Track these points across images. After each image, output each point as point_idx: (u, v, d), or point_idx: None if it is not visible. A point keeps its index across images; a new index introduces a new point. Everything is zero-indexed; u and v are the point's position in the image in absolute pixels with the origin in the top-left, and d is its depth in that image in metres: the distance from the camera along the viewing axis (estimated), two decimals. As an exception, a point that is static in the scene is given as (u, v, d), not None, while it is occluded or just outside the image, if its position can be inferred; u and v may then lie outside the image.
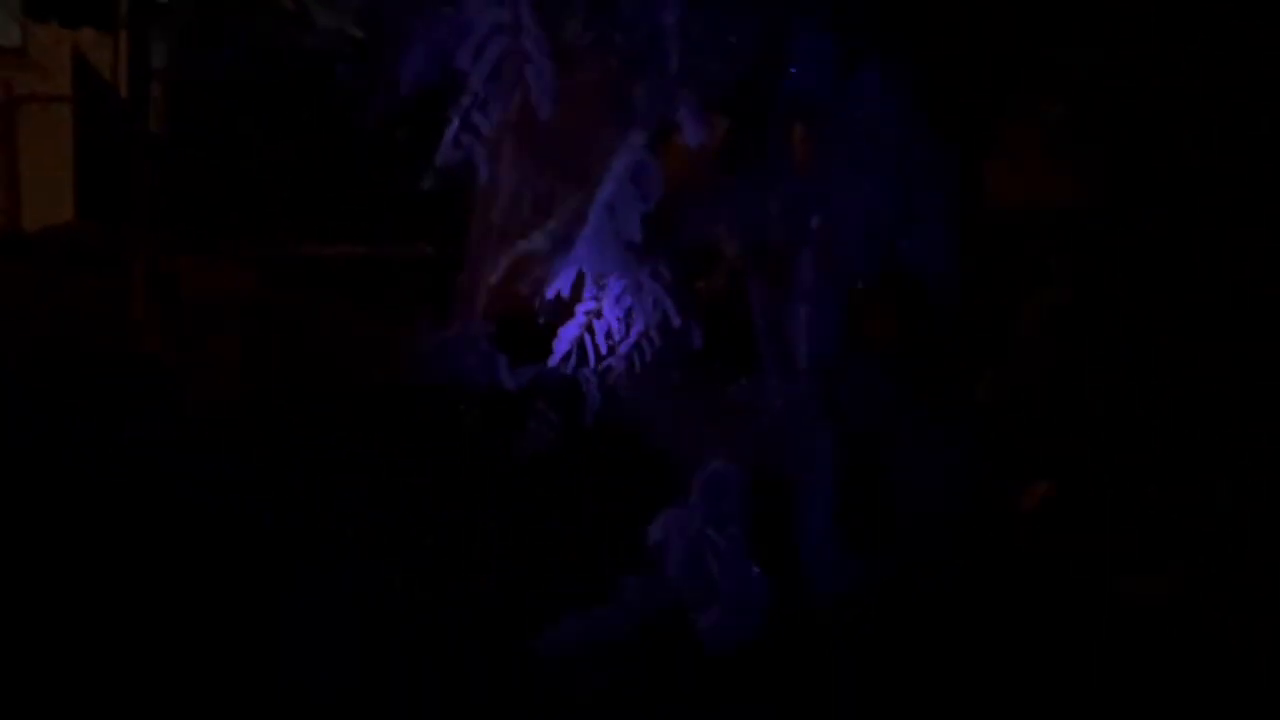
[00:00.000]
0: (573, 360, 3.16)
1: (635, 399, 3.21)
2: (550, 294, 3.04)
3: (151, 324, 5.32)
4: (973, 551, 3.48)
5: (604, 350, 3.11)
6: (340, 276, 6.02)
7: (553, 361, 3.16)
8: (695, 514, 2.98)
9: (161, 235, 5.66)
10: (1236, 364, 3.55)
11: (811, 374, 3.06)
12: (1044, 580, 3.51)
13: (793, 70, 2.91)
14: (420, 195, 2.92)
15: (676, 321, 3.06)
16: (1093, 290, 3.70)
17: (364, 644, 3.23)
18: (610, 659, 3.01)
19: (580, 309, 3.10)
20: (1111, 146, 3.62)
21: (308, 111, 6.00)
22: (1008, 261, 3.72)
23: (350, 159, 5.99)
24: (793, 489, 3.08)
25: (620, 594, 3.03)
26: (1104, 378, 3.64)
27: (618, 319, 3.09)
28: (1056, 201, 3.70)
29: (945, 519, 3.30)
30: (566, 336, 3.13)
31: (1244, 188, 3.51)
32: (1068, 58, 3.48)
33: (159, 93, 6.32)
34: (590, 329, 3.11)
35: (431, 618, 3.32)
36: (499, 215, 3.16)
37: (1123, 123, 3.58)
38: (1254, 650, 3.32)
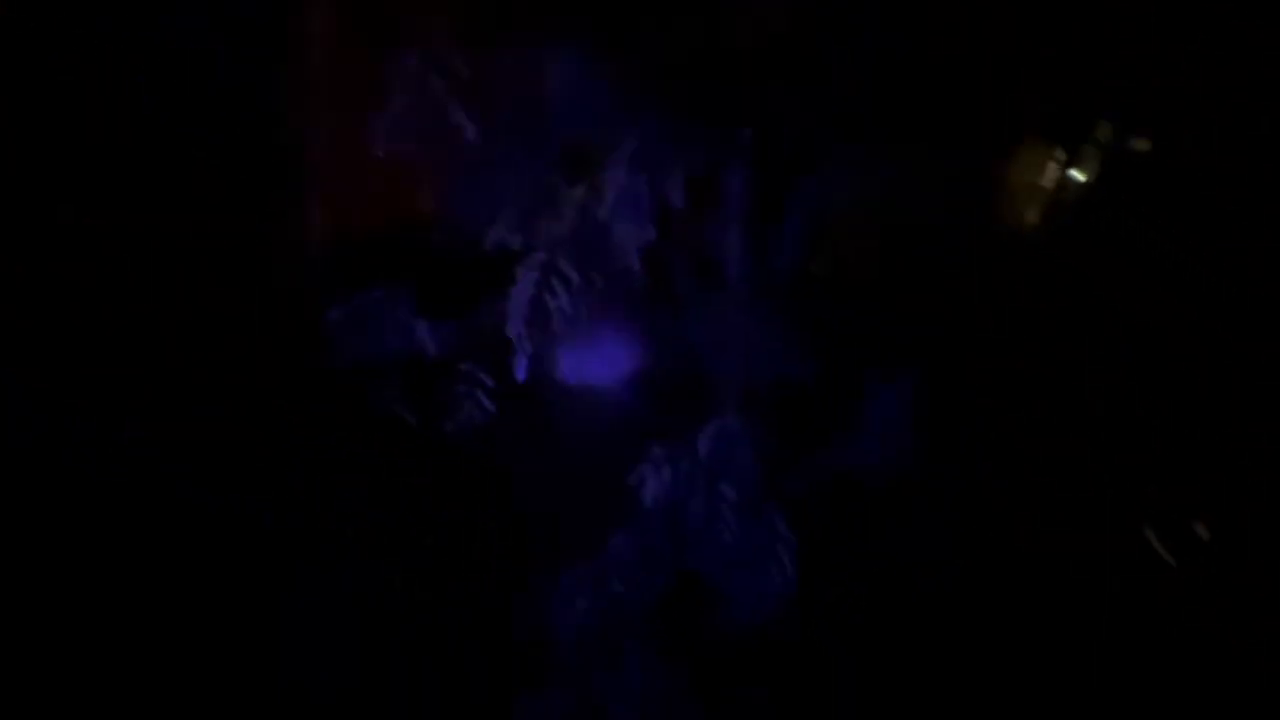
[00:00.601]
0: (519, 317, 2.78)
1: (573, 349, 2.97)
2: (492, 243, 2.73)
3: None
4: (973, 551, 3.48)
5: (561, 304, 2.74)
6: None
7: (513, 331, 2.76)
8: (701, 470, 2.77)
9: None
10: (1237, 364, 3.55)
11: (745, 302, 2.83)
12: (1044, 580, 3.51)
13: None
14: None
15: (636, 268, 2.75)
16: (1092, 289, 3.70)
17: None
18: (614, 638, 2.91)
19: (532, 262, 2.72)
20: (1111, 146, 3.61)
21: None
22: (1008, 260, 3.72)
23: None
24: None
25: (609, 549, 2.84)
26: (1104, 377, 3.63)
27: (573, 269, 2.72)
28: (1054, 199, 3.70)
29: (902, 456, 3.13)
30: (521, 298, 2.74)
31: (1244, 188, 3.51)
32: (1067, 58, 3.47)
33: None
34: (547, 285, 2.73)
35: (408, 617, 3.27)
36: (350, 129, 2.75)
37: (1122, 122, 3.57)
38: (1254, 650, 3.32)
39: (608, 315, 2.92)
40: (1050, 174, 3.49)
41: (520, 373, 2.86)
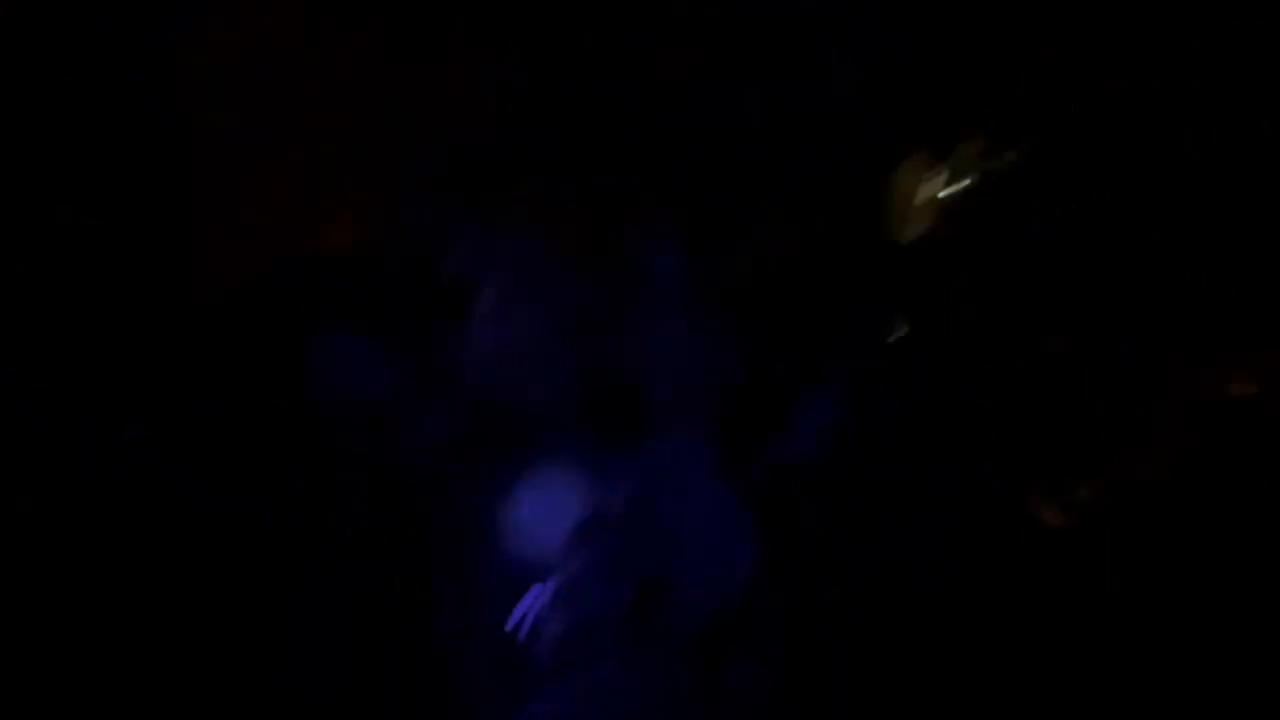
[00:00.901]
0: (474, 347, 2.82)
1: (528, 373, 2.98)
2: (446, 274, 2.78)
3: None
4: (973, 551, 3.49)
5: (516, 332, 2.81)
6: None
7: (468, 360, 2.82)
8: (660, 475, 2.85)
9: None
10: (1236, 365, 3.55)
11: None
12: (1044, 580, 3.51)
13: None
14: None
15: (587, 290, 2.82)
16: (1092, 288, 3.70)
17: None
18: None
19: (485, 291, 2.79)
20: (1109, 145, 3.62)
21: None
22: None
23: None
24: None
25: (578, 560, 2.90)
26: (1104, 378, 3.64)
27: (525, 295, 2.79)
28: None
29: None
30: (475, 328, 2.81)
31: (1244, 188, 3.51)
32: (1066, 58, 3.48)
33: None
34: (502, 314, 2.78)
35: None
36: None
37: (1121, 123, 3.58)
38: (1254, 650, 3.32)
39: (560, 338, 2.94)
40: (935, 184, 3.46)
41: (477, 400, 2.89)
